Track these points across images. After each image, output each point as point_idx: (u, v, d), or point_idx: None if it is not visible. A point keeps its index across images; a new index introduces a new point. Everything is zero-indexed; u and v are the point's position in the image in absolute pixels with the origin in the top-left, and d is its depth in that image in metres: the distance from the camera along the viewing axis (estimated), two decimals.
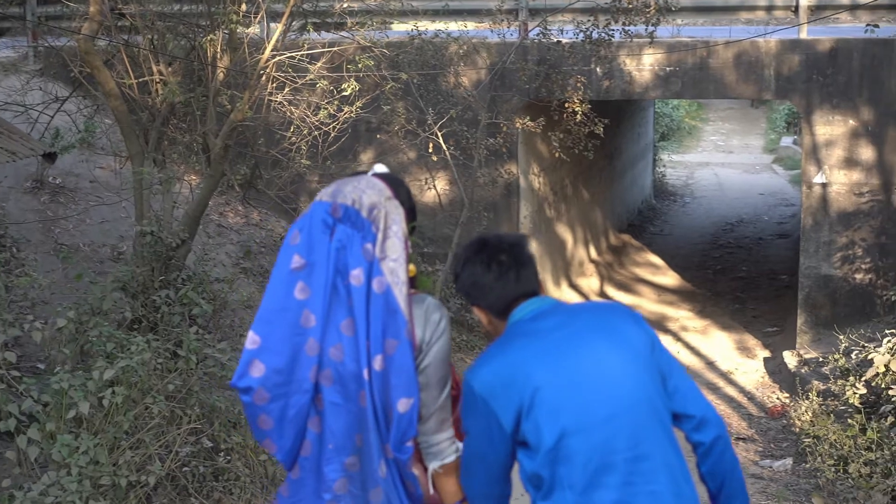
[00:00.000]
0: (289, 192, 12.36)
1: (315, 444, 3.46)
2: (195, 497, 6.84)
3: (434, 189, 13.96)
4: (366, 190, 3.46)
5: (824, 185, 13.29)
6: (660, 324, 16.29)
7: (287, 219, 14.13)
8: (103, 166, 12.13)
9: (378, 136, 14.02)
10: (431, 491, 3.53)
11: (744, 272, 18.75)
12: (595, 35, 12.69)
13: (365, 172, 3.65)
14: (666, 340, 15.50)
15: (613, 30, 12.69)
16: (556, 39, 13.03)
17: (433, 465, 3.51)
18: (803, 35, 13.34)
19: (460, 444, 3.50)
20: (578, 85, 12.69)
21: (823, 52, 13.08)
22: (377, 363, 3.34)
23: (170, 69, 9.16)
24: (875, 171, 13.13)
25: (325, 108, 10.25)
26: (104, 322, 7.34)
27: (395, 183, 3.61)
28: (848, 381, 10.84)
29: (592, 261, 18.32)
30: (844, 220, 13.31)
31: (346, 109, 10.20)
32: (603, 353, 3.29)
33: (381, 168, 3.70)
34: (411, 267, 3.48)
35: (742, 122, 37.53)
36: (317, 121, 10.12)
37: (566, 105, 12.64)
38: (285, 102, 9.91)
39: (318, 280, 3.38)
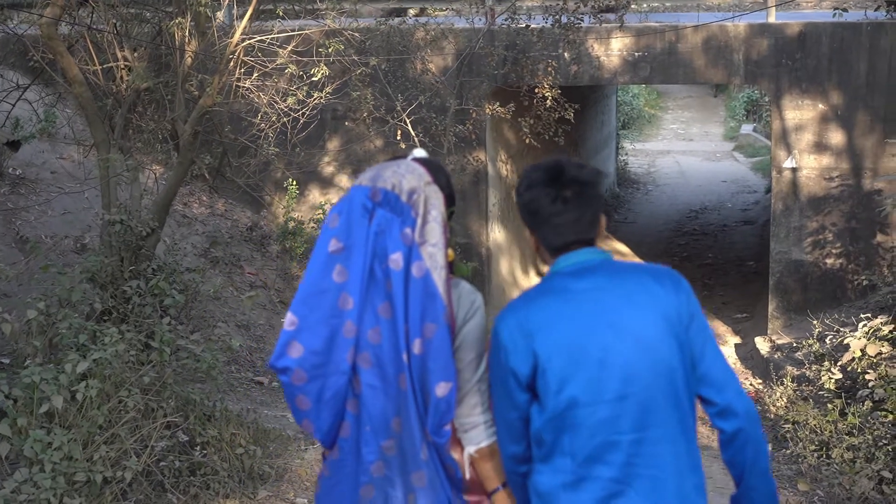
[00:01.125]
0: (257, 180, 12.14)
1: (353, 426, 3.46)
2: (171, 493, 6.63)
3: None
4: (405, 174, 3.42)
5: (794, 170, 13.23)
6: None
7: (252, 208, 13.93)
8: (64, 156, 11.86)
9: (345, 123, 13.82)
10: (469, 475, 3.49)
11: (710, 259, 18.72)
12: (564, 19, 12.54)
13: (404, 156, 3.59)
14: None
15: (583, 14, 12.55)
16: (524, 24, 12.88)
17: (469, 450, 3.47)
18: (772, 19, 13.27)
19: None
20: (550, 70, 12.54)
21: (792, 36, 13.01)
22: (416, 347, 3.33)
23: (135, 54, 8.91)
24: (845, 156, 13.09)
25: (293, 95, 10.03)
26: (73, 314, 7.11)
27: (435, 168, 3.56)
28: (823, 366, 10.80)
29: None
30: (815, 205, 13.26)
31: (315, 95, 9.98)
32: (628, 327, 3.16)
33: (420, 153, 3.63)
34: (450, 252, 3.45)
35: (701, 110, 37.58)
36: (285, 107, 9.91)
37: (536, 90, 12.49)
38: (253, 88, 9.69)
39: (355, 263, 3.37)
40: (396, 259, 3.34)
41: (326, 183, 14.24)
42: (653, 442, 3.15)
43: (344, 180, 14.18)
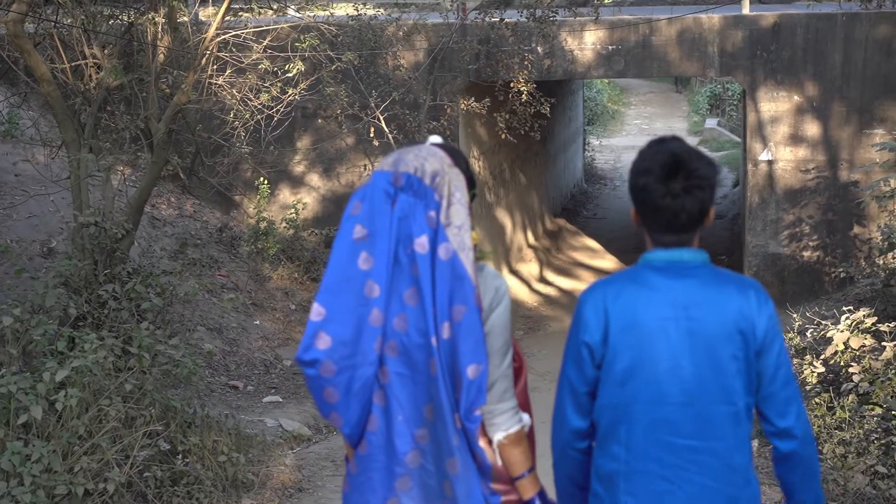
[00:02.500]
0: (230, 179, 11.89)
1: (381, 419, 3.40)
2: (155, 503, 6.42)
3: None
4: (428, 158, 3.39)
5: (770, 163, 13.15)
6: None
7: (222, 209, 13.68)
8: (29, 159, 11.55)
9: (316, 121, 13.60)
10: (500, 462, 3.43)
11: None
12: (539, 13, 12.38)
13: (423, 142, 3.55)
14: None
15: (558, 7, 12.39)
16: (497, 18, 12.70)
17: (498, 437, 3.40)
18: (746, 11, 13.17)
19: (525, 416, 3.47)
20: (526, 63, 12.38)
21: (767, 27, 12.92)
22: (445, 331, 3.28)
23: (105, 52, 8.65)
24: (821, 147, 13.02)
25: (266, 92, 9.81)
26: (48, 320, 6.85)
27: (454, 152, 3.52)
28: (805, 359, 10.68)
29: (531, 246, 18.06)
30: (791, 198, 13.18)
31: (290, 92, 9.76)
32: (702, 337, 3.18)
33: (436, 139, 3.59)
34: (474, 234, 3.40)
35: (664, 106, 37.59)
36: (259, 104, 9.68)
37: (511, 85, 12.33)
38: (227, 85, 9.45)
39: (380, 250, 3.32)
40: (422, 242, 3.30)
41: (297, 182, 14.02)
42: (708, 452, 3.17)
43: (315, 179, 13.96)
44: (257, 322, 11.88)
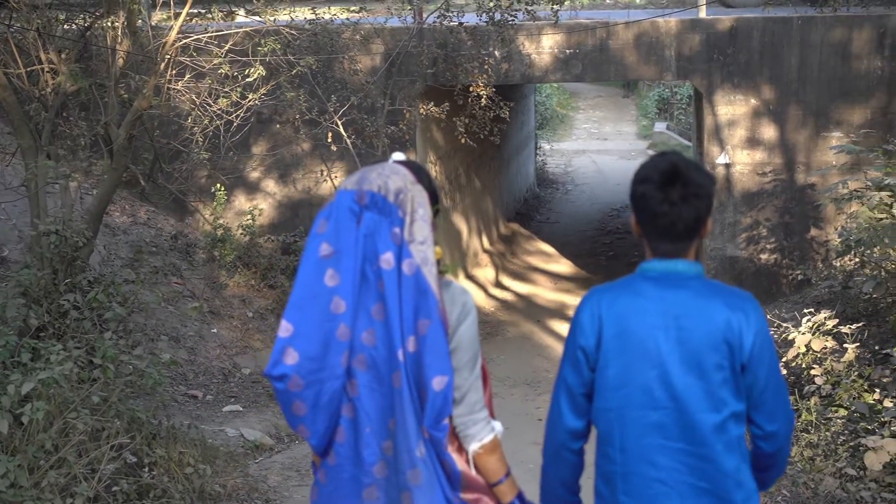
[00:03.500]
0: (187, 187, 11.71)
1: (349, 430, 3.50)
2: None
3: (331, 181, 13.46)
4: (391, 176, 3.47)
5: (727, 166, 13.18)
6: (560, 312, 16.08)
7: (176, 216, 13.48)
8: None
9: (272, 126, 13.45)
10: (474, 472, 3.54)
11: (637, 257, 18.53)
12: (498, 17, 12.31)
13: (385, 160, 3.65)
14: (566, 328, 15.28)
15: (516, 11, 12.34)
16: (456, 23, 12.63)
17: (474, 447, 3.52)
18: (703, 14, 13.20)
19: (496, 423, 3.57)
20: (486, 67, 12.31)
21: (723, 31, 12.95)
22: (410, 345, 3.37)
23: (62, 56, 8.46)
24: (778, 151, 13.07)
25: (224, 97, 9.65)
26: (8, 330, 6.67)
27: (417, 168, 3.62)
28: None
29: (486, 251, 18.01)
30: (748, 201, 13.22)
31: (250, 96, 9.62)
32: (691, 348, 3.29)
33: (399, 156, 3.70)
34: (437, 249, 3.48)
35: (612, 110, 37.75)
36: (218, 109, 9.53)
37: (470, 89, 12.26)
38: (186, 91, 9.29)
39: (346, 267, 3.41)
40: (388, 259, 3.38)
41: (253, 188, 13.86)
42: (697, 456, 3.29)
43: (271, 185, 13.81)
44: (215, 330, 11.71)
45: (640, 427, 3.32)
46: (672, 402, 3.28)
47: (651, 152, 29.49)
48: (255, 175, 13.80)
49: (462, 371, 3.46)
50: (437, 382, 3.35)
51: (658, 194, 3.30)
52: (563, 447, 3.51)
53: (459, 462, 3.51)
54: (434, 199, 3.59)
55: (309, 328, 3.38)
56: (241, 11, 11.09)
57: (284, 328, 3.39)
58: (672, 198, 3.29)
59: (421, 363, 3.36)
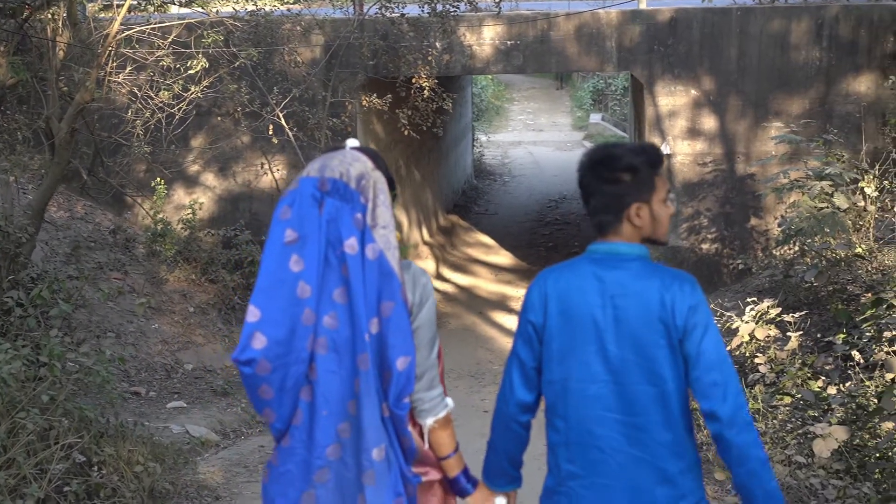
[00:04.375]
0: (128, 180, 11.52)
1: (306, 413, 3.56)
2: None
3: (271, 174, 13.33)
4: (352, 163, 3.56)
5: (669, 157, 13.24)
6: (502, 304, 16.07)
7: (114, 211, 13.29)
8: None
9: (213, 119, 13.29)
10: (426, 446, 3.70)
11: (577, 248, 18.64)
12: (440, 7, 12.25)
13: (342, 147, 3.71)
14: (509, 320, 15.31)
15: (458, 2, 12.28)
16: (397, 13, 12.55)
17: (428, 421, 3.67)
18: (643, 6, 13.24)
19: (449, 400, 3.71)
20: (430, 59, 12.25)
21: (664, 22, 13.01)
22: (373, 326, 3.47)
23: (0, 48, 8.27)
24: (718, 141, 13.16)
25: (166, 90, 9.50)
26: None
27: (374, 155, 3.70)
28: None
29: (426, 243, 17.96)
30: (689, 191, 13.30)
31: (192, 89, 9.47)
32: (629, 324, 3.47)
33: (354, 142, 3.75)
34: (397, 234, 3.59)
35: (546, 101, 37.84)
36: (160, 101, 9.38)
37: (413, 81, 12.19)
38: (127, 83, 9.12)
39: (311, 252, 3.47)
40: (352, 244, 3.46)
41: (192, 182, 13.69)
42: (635, 427, 3.47)
43: (211, 178, 13.65)
44: (156, 326, 11.56)
45: (580, 398, 3.52)
46: (609, 375, 3.47)
47: (587, 143, 29.63)
48: (194, 169, 13.64)
49: (422, 350, 3.61)
50: (401, 363, 3.47)
51: (592, 174, 3.57)
52: (512, 419, 3.72)
53: (415, 436, 3.65)
54: (391, 184, 3.68)
55: (276, 313, 3.44)
56: (178, 3, 10.95)
57: (252, 313, 3.44)
58: (602, 175, 3.55)
59: (385, 344, 3.47)
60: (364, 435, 3.52)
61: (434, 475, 3.77)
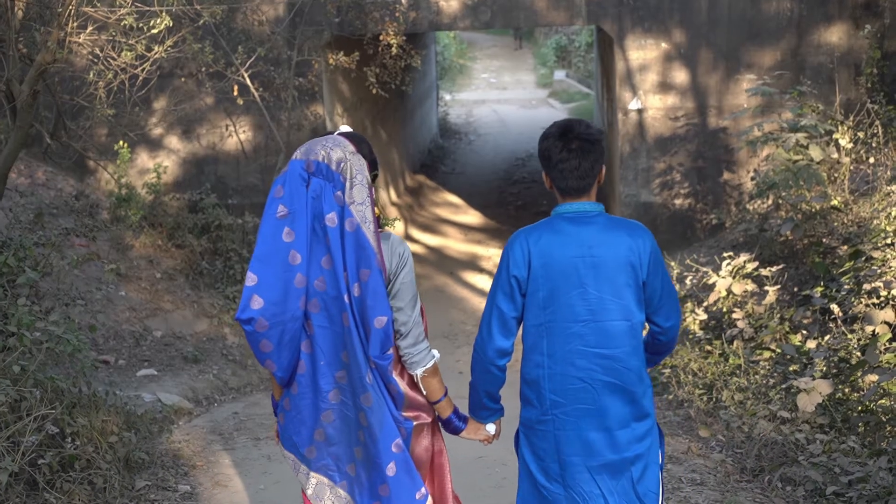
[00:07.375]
0: (90, 144, 11.24)
1: (308, 363, 4.21)
2: (48, 491, 5.95)
3: (236, 136, 13.09)
4: (333, 147, 4.12)
5: (640, 111, 13.10)
6: (472, 263, 15.95)
7: (76, 176, 13.00)
8: None
9: (176, 81, 13.01)
10: (413, 393, 4.28)
11: (546, 206, 18.51)
12: None
13: (333, 132, 4.27)
14: (480, 280, 15.19)
15: None
16: None
17: (418, 372, 4.24)
18: None
19: (435, 351, 4.28)
20: (398, 15, 12.01)
21: None
22: (355, 290, 4.07)
23: None
24: (690, 95, 13.02)
25: (128, 50, 9.22)
26: None
27: (358, 140, 4.26)
28: (686, 307, 10.68)
29: (394, 203, 17.77)
30: (661, 146, 13.17)
31: (156, 49, 9.21)
32: (604, 269, 4.12)
33: (345, 128, 4.32)
34: (377, 209, 4.18)
35: (509, 59, 37.64)
36: (122, 62, 9.11)
37: (380, 38, 11.95)
38: (89, 44, 8.84)
39: (300, 225, 4.09)
40: (332, 217, 4.06)
41: (155, 145, 13.43)
42: (610, 358, 4.14)
43: (174, 142, 13.39)
44: (123, 293, 11.32)
45: (564, 336, 4.14)
46: (590, 315, 4.12)
47: (552, 101, 29.49)
48: (157, 132, 13.37)
49: (405, 310, 4.18)
50: (378, 321, 4.06)
51: (558, 144, 4.17)
52: (491, 363, 4.26)
53: (402, 384, 4.23)
54: (373, 166, 4.26)
55: (271, 278, 4.06)
56: None
57: (250, 278, 4.07)
58: (570, 146, 4.15)
59: (364, 305, 4.06)
60: (355, 383, 4.17)
61: (425, 418, 4.35)
